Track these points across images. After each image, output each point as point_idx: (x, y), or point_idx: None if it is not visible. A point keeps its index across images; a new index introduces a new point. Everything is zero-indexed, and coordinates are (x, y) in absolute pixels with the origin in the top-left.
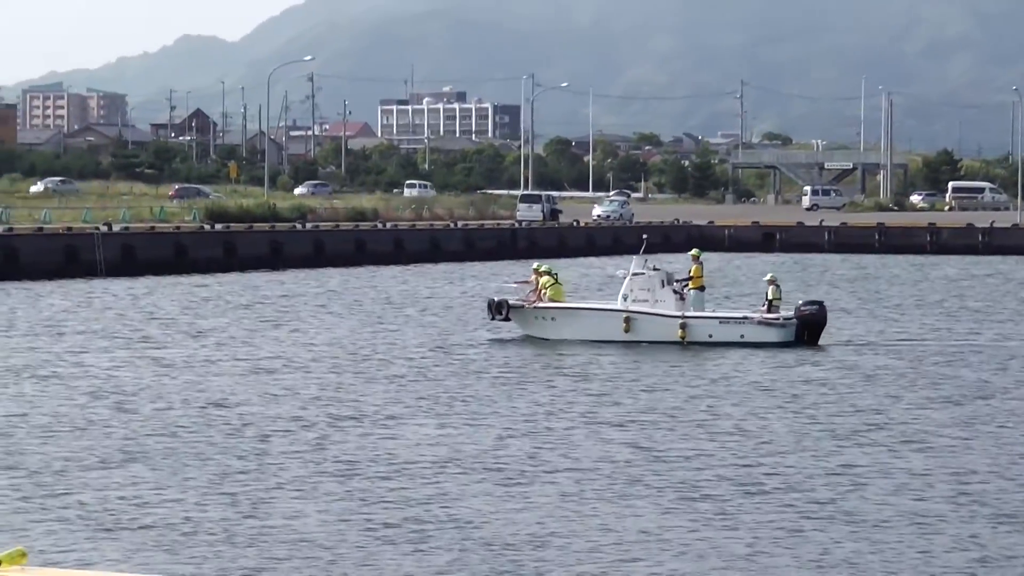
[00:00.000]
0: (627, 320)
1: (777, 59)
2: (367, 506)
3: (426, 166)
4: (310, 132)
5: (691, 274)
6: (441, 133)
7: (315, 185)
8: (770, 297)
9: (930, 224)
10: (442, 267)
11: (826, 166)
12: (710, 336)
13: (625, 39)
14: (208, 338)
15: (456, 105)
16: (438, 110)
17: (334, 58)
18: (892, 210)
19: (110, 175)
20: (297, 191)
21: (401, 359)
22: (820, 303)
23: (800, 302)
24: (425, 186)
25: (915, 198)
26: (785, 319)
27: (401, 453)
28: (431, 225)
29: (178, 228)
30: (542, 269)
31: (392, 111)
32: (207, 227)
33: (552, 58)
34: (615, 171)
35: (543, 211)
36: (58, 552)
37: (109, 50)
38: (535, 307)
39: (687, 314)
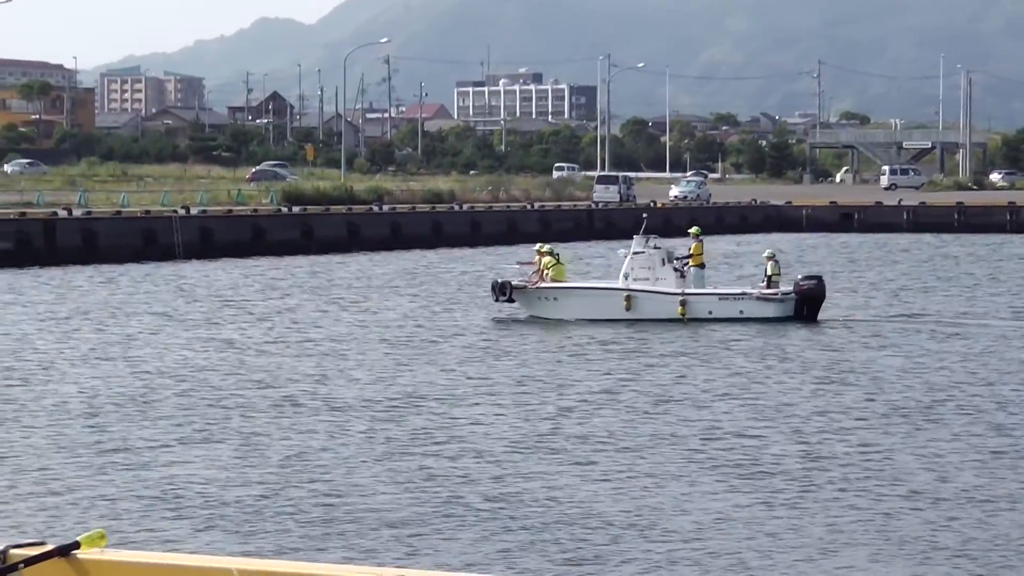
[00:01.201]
0: (627, 298)
1: (855, 38)
2: (438, 485)
3: (502, 148)
4: (386, 114)
5: (691, 252)
6: (517, 114)
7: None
8: (769, 272)
9: (1010, 203)
10: (518, 248)
11: (904, 145)
12: (710, 312)
13: (702, 19)
14: (280, 318)
15: (532, 86)
16: (514, 91)
17: (410, 40)
18: (971, 189)
19: (187, 158)
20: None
21: (469, 339)
22: (819, 278)
23: (799, 277)
24: (574, 168)
25: (994, 177)
26: (783, 294)
27: (467, 432)
28: (507, 207)
29: (255, 211)
30: (544, 249)
31: (468, 93)
32: (284, 210)
33: (629, 38)
34: (692, 151)
35: (619, 192)
36: (137, 532)
37: (186, 34)
38: (537, 287)
39: (687, 291)
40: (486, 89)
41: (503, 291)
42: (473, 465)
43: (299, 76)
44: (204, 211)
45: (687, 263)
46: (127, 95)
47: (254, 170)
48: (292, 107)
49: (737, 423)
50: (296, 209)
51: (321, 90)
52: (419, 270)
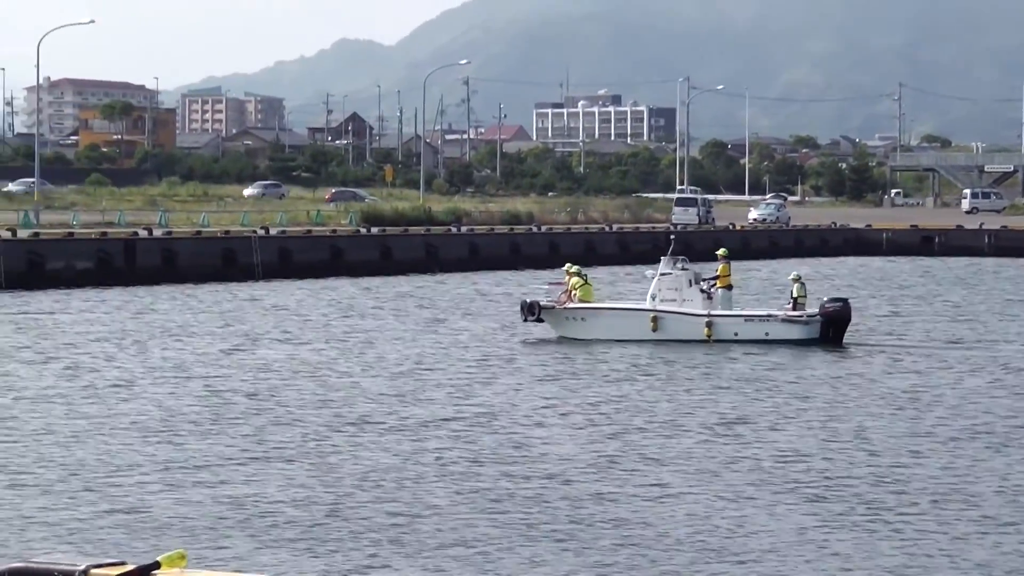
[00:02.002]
0: (654, 319)
1: (937, 60)
2: (510, 506)
3: (581, 169)
4: (465, 135)
5: (718, 273)
6: (596, 136)
7: (266, 185)
8: (795, 295)
9: None
10: (597, 271)
11: (986, 168)
12: (735, 334)
13: (782, 41)
14: (355, 338)
15: (611, 108)
16: (593, 113)
17: (490, 61)
18: None
19: (267, 178)
20: (246, 192)
21: (539, 359)
22: (845, 300)
23: (825, 299)
24: (696, 190)
25: None
26: (809, 316)
27: (537, 453)
28: (586, 228)
29: (334, 231)
30: (572, 270)
31: (547, 114)
32: (363, 230)
33: (708, 60)
34: (771, 174)
35: (698, 214)
36: (216, 551)
37: (267, 54)
38: (565, 308)
39: (713, 312)
40: (565, 111)
41: (532, 311)
42: (544, 486)
43: (379, 97)
44: (283, 231)
45: (714, 284)
46: (208, 115)
47: (333, 191)
48: (371, 128)
49: (805, 445)
50: (375, 230)
51: (400, 111)
52: (495, 292)
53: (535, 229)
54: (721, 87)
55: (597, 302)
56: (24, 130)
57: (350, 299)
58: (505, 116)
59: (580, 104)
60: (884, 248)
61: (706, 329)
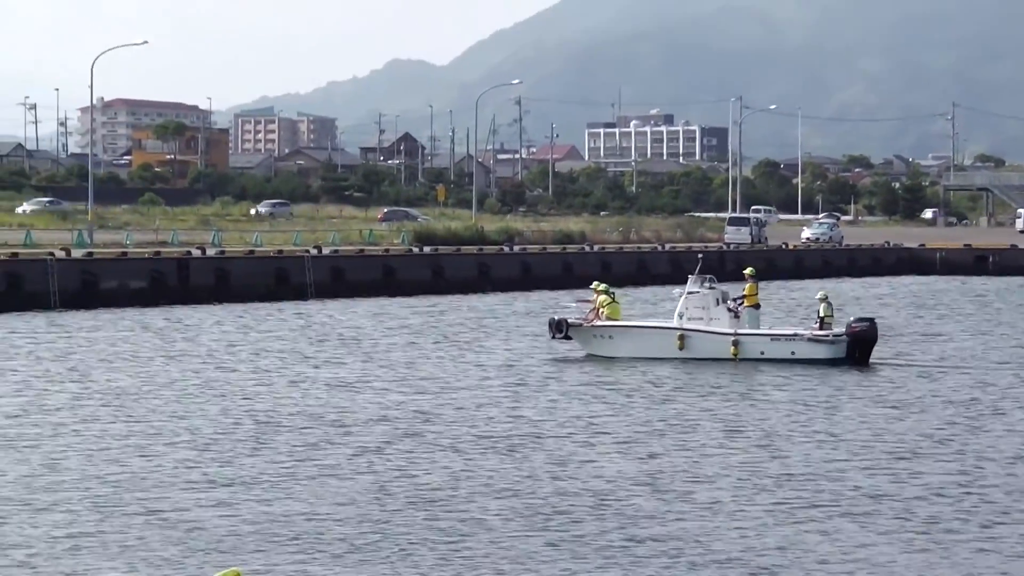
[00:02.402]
0: (681, 337)
1: (991, 79)
2: (565, 522)
3: (633, 189)
4: (517, 155)
5: (745, 293)
6: (648, 156)
7: (275, 204)
8: (822, 315)
9: None
10: (648, 290)
11: None
12: (762, 353)
13: (835, 60)
14: (407, 357)
15: (663, 128)
16: (645, 132)
17: (542, 81)
18: None
19: (320, 198)
20: (254, 211)
21: (585, 376)
22: (871, 320)
23: (851, 319)
24: (770, 211)
25: None
26: (835, 336)
27: (589, 470)
28: (638, 248)
29: (387, 251)
30: (600, 288)
31: (599, 134)
32: (415, 249)
33: (761, 79)
34: (824, 193)
35: (751, 234)
36: (268, 568)
37: (319, 75)
38: (593, 325)
39: (739, 331)
40: (617, 130)
41: (560, 328)
42: (594, 503)
43: (431, 117)
44: (336, 251)
45: (742, 303)
46: (260, 135)
47: (386, 210)
48: (423, 148)
49: (854, 463)
50: (427, 249)
51: (452, 131)
52: (545, 311)
53: (587, 248)
54: (774, 106)
55: (624, 320)
56: (78, 150)
57: (401, 318)
58: (557, 136)
59: (632, 124)
60: (938, 267)
61: (732, 348)
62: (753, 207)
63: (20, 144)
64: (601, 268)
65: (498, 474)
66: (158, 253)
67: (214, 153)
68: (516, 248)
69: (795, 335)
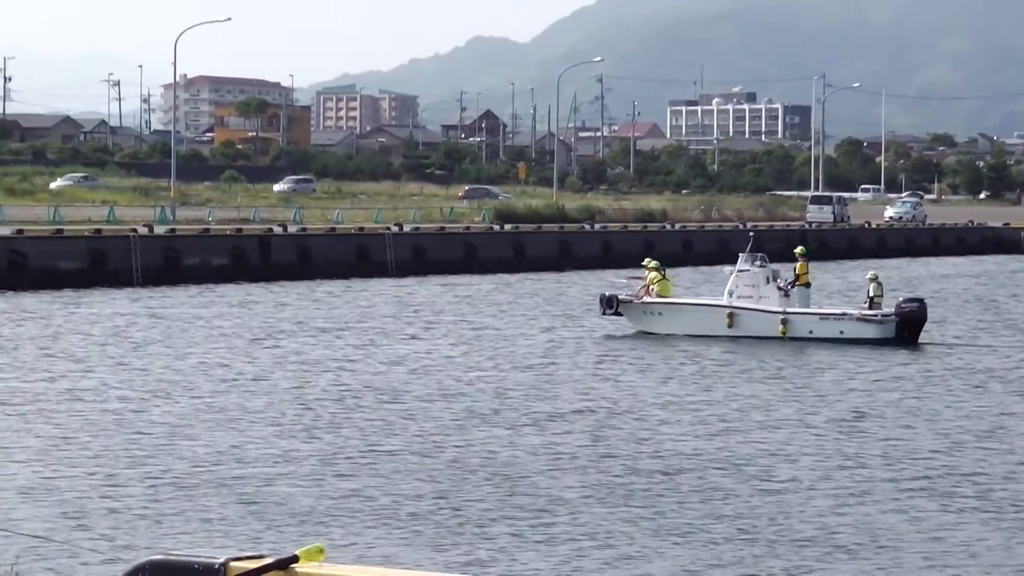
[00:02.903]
0: (730, 316)
1: None
2: (642, 499)
3: (715, 167)
4: (599, 133)
5: (796, 272)
6: (730, 134)
7: (297, 181)
8: (871, 294)
9: None
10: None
11: None
12: (810, 332)
13: (920, 38)
14: (487, 334)
15: (746, 106)
16: (727, 111)
17: (623, 59)
18: None
19: (401, 176)
20: (276, 187)
21: (661, 356)
22: (921, 300)
23: (901, 299)
24: (878, 190)
25: None
26: (884, 316)
27: (667, 447)
28: (719, 227)
29: (467, 228)
30: (651, 265)
31: (681, 112)
32: (496, 228)
33: (845, 58)
34: (907, 172)
35: (833, 212)
36: (353, 545)
37: (401, 52)
38: (643, 302)
39: (788, 310)
40: (699, 108)
41: (610, 304)
42: (670, 481)
43: (512, 95)
44: (417, 228)
45: (793, 283)
46: (342, 113)
47: (467, 188)
48: (505, 125)
49: (932, 442)
50: (508, 227)
51: (534, 108)
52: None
53: (668, 227)
54: (857, 85)
55: (675, 297)
56: (160, 127)
57: (483, 295)
58: (639, 113)
59: (714, 101)
60: (1022, 247)
61: (781, 326)
62: (862, 186)
63: (104, 121)
64: (682, 246)
65: (577, 450)
66: (240, 230)
67: (296, 130)
68: (597, 227)
69: (844, 314)
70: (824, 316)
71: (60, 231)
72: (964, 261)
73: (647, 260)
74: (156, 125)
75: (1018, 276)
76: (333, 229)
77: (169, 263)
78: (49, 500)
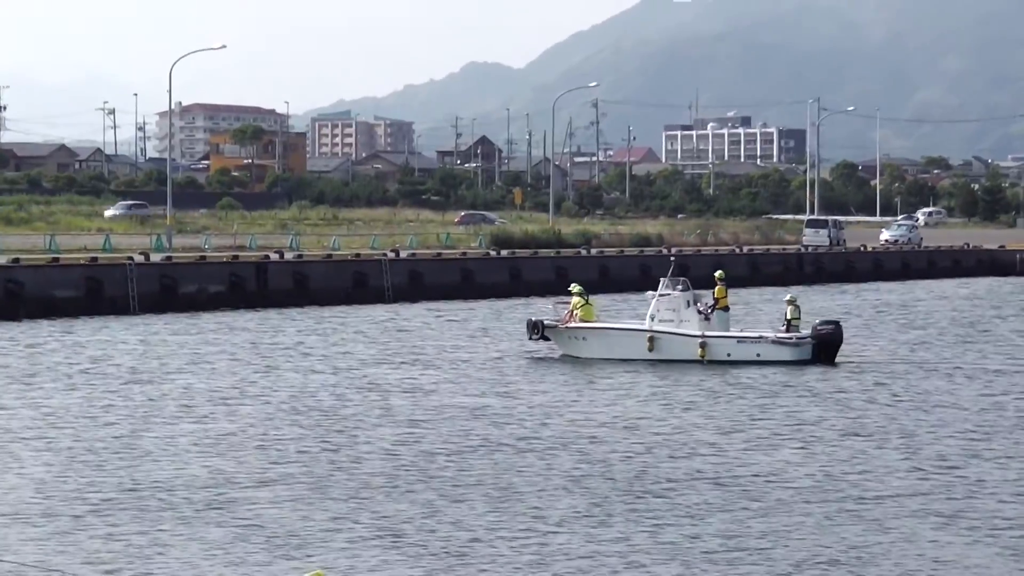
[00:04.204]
0: (650, 339)
1: None
2: (697, 524)
3: (711, 191)
4: (594, 158)
5: (715, 295)
6: (726, 158)
7: (129, 206)
8: (789, 317)
9: None
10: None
11: None
12: (728, 355)
13: (916, 59)
14: (491, 363)
15: (741, 130)
16: (723, 135)
17: (619, 83)
18: None
19: (397, 202)
20: (108, 212)
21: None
22: (836, 323)
23: (817, 322)
24: (940, 212)
25: None
26: (799, 338)
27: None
28: (716, 250)
29: (464, 254)
30: (575, 290)
31: (677, 136)
32: (493, 253)
33: (841, 79)
34: (903, 195)
35: (829, 236)
36: (350, 569)
37: (396, 78)
38: (567, 327)
39: (706, 333)
40: (694, 132)
41: (536, 329)
42: (728, 502)
43: (508, 120)
44: (413, 254)
45: (713, 306)
46: (338, 139)
47: (463, 213)
48: (500, 151)
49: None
50: (504, 252)
51: (529, 134)
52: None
53: (665, 251)
54: (852, 108)
55: (597, 322)
56: (156, 155)
57: (480, 320)
58: (634, 138)
59: (710, 126)
60: (1017, 269)
61: (700, 350)
62: (922, 210)
63: (99, 149)
64: (679, 270)
65: (578, 471)
66: (236, 257)
67: (292, 157)
68: (594, 251)
69: (760, 337)
70: (741, 339)
71: (56, 259)
72: (964, 283)
73: (573, 286)
74: (152, 153)
75: (1013, 297)
76: (330, 255)
77: (166, 290)
78: (44, 525)
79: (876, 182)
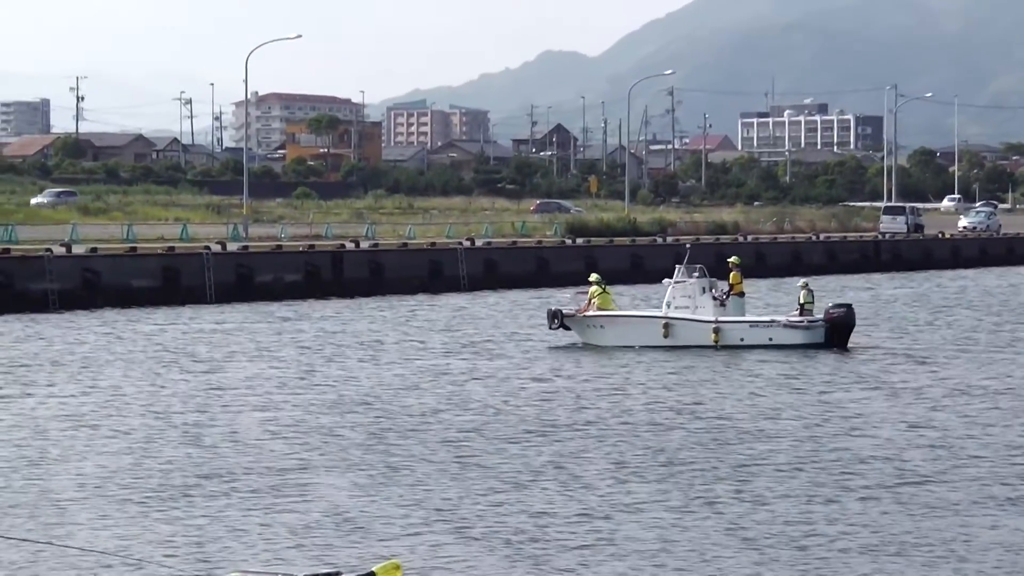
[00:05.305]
0: (665, 326)
1: None
2: (749, 515)
3: (787, 178)
4: (670, 146)
5: (731, 282)
6: (802, 145)
7: (58, 194)
8: (802, 301)
9: None
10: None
11: None
12: (741, 339)
13: (992, 48)
14: (557, 350)
15: (817, 117)
16: (799, 122)
17: (694, 71)
18: None
19: (472, 191)
20: (34, 200)
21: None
22: (848, 306)
23: (830, 305)
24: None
25: None
26: (811, 322)
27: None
28: (792, 238)
29: (539, 242)
30: (593, 279)
31: (753, 124)
32: (568, 241)
33: (917, 68)
34: (981, 182)
35: (907, 223)
36: (429, 561)
37: (472, 67)
38: (585, 316)
39: (720, 319)
40: (770, 120)
41: (556, 318)
42: (764, 491)
43: (583, 108)
44: (489, 243)
45: (727, 293)
46: (413, 128)
47: (538, 202)
48: (576, 139)
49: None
50: (580, 241)
51: (605, 122)
52: None
53: (741, 239)
54: (929, 95)
55: (615, 310)
56: (232, 144)
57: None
58: (710, 126)
59: (786, 113)
60: None
61: (713, 335)
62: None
63: (176, 139)
64: (756, 258)
65: (635, 462)
66: (312, 246)
67: (367, 147)
68: (669, 239)
69: (773, 322)
70: (754, 324)
71: (134, 249)
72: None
73: (592, 275)
74: (228, 143)
75: None
76: (405, 245)
77: (242, 280)
78: (119, 515)
79: (955, 168)
